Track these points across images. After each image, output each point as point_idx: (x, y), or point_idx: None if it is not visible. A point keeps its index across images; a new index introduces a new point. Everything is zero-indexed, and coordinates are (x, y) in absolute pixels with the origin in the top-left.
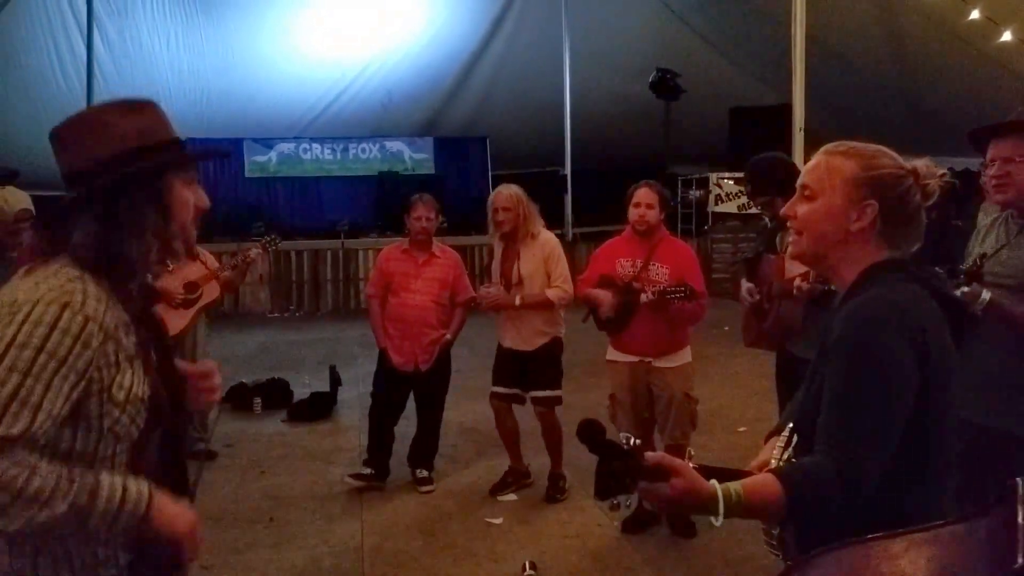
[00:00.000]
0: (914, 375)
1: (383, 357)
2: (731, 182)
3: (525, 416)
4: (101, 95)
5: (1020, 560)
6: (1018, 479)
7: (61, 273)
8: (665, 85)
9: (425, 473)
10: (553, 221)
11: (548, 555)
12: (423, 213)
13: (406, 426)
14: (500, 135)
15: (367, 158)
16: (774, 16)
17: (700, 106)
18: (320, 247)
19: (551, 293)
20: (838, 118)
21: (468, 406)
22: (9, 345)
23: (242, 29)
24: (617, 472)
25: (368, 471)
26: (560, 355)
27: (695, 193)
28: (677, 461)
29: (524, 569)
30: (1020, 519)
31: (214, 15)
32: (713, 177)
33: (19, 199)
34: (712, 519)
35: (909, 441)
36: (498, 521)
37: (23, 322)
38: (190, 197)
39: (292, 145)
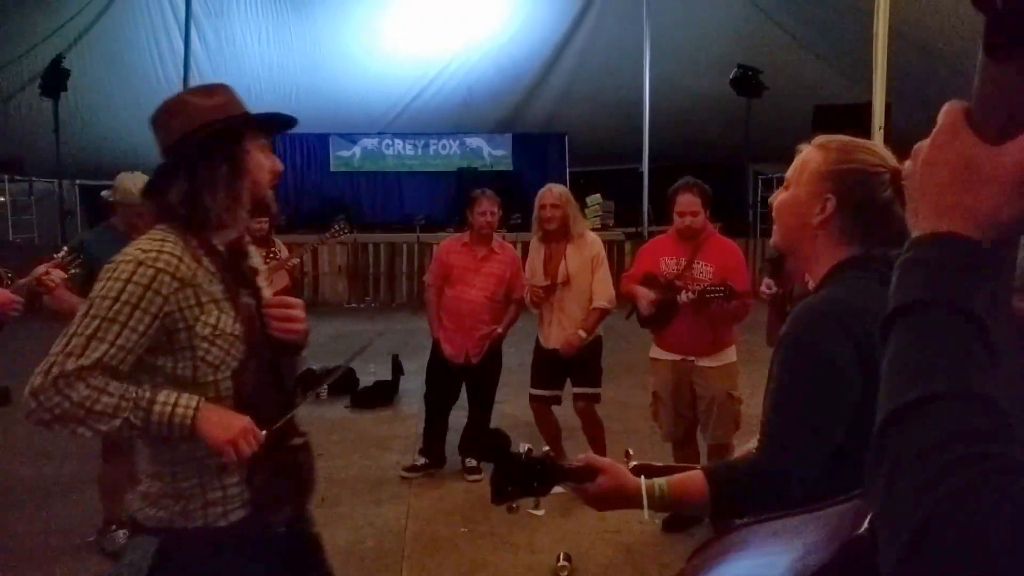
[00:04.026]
0: (854, 378)
1: (436, 347)
2: None
3: (565, 414)
4: None
5: (863, 528)
6: None
7: (152, 235)
8: (746, 82)
9: (473, 462)
10: (630, 218)
11: (584, 548)
12: (487, 208)
13: (460, 417)
14: (579, 132)
15: (447, 154)
16: (862, 10)
17: (783, 103)
18: (396, 240)
19: (601, 303)
20: (928, 116)
21: (526, 400)
22: (96, 297)
23: (329, 27)
24: (508, 479)
25: (423, 460)
26: (600, 353)
27: None
28: (604, 460)
29: (559, 561)
30: None
31: (303, 13)
32: None
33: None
34: (643, 513)
35: (856, 443)
36: (540, 513)
37: (108, 279)
38: (264, 161)
39: (375, 141)
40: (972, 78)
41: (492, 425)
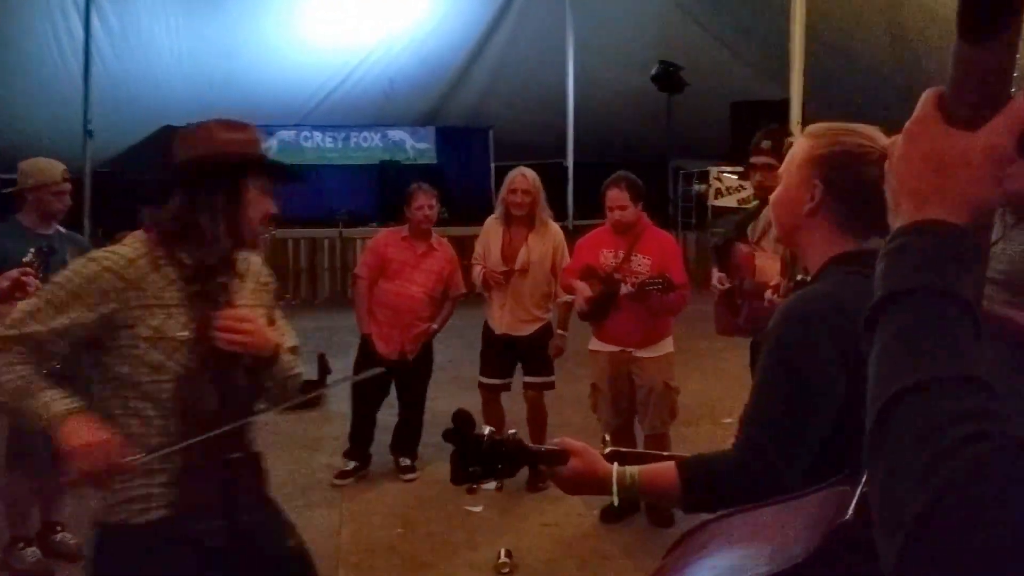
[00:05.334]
0: (837, 374)
1: (366, 344)
2: (732, 176)
3: (508, 408)
4: (100, 79)
5: (848, 514)
6: None
7: (125, 239)
8: (667, 78)
9: (408, 461)
10: (555, 214)
11: (525, 544)
12: (424, 202)
13: (391, 415)
14: (503, 126)
15: (368, 147)
16: (777, 10)
17: (702, 100)
18: (318, 236)
19: (567, 296)
20: (842, 113)
21: (458, 396)
22: (50, 282)
23: (244, 14)
24: (471, 459)
25: (352, 464)
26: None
27: (698, 187)
28: (578, 444)
29: (500, 557)
30: (863, 480)
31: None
32: (713, 171)
33: (58, 163)
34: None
35: (840, 439)
36: (478, 509)
37: (67, 268)
38: (259, 201)
39: (293, 133)
40: (885, 75)
41: (424, 423)
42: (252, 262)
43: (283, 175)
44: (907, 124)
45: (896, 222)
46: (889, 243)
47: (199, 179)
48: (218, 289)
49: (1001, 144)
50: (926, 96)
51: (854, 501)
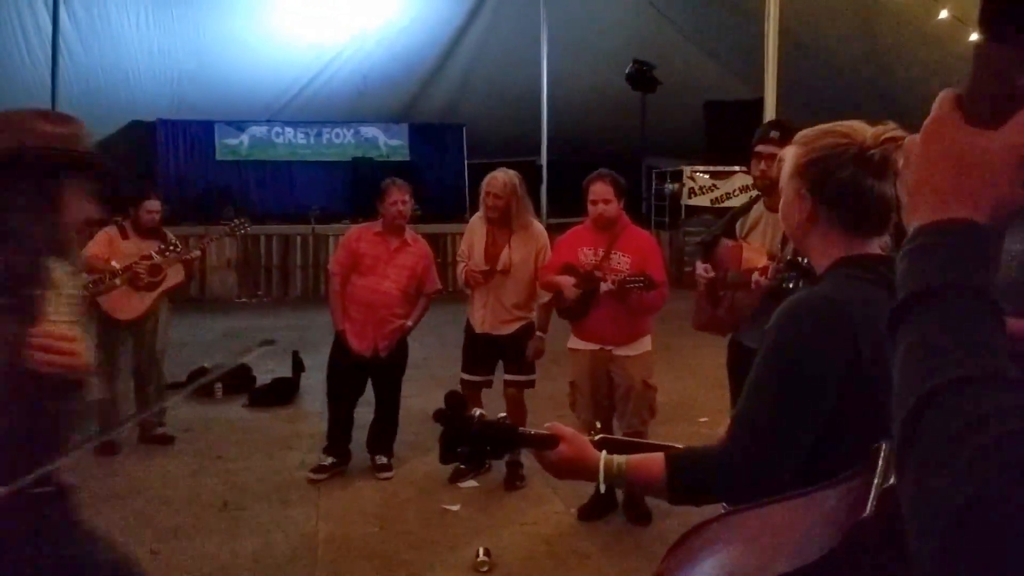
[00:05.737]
0: (833, 378)
1: (340, 340)
2: (705, 175)
3: (486, 402)
4: (67, 73)
5: (868, 510)
6: (883, 442)
7: None
8: (641, 77)
9: (384, 460)
10: None
11: (504, 542)
12: (398, 197)
13: (367, 412)
14: (476, 123)
15: (341, 143)
16: (750, 10)
17: (676, 99)
18: (290, 232)
19: (547, 298)
20: (813, 114)
21: (435, 393)
22: None
23: (215, 8)
24: (460, 439)
25: (329, 460)
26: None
27: (670, 186)
28: (567, 430)
29: (478, 556)
30: (877, 475)
31: None
32: (687, 170)
33: None
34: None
35: (835, 438)
36: (455, 508)
37: None
38: (77, 205)
39: (264, 128)
40: (857, 75)
41: (399, 421)
42: (59, 270)
43: (107, 177)
44: (925, 123)
45: (913, 221)
46: (910, 242)
47: (10, 174)
48: (30, 301)
49: (1022, 142)
50: (944, 96)
51: (872, 497)
